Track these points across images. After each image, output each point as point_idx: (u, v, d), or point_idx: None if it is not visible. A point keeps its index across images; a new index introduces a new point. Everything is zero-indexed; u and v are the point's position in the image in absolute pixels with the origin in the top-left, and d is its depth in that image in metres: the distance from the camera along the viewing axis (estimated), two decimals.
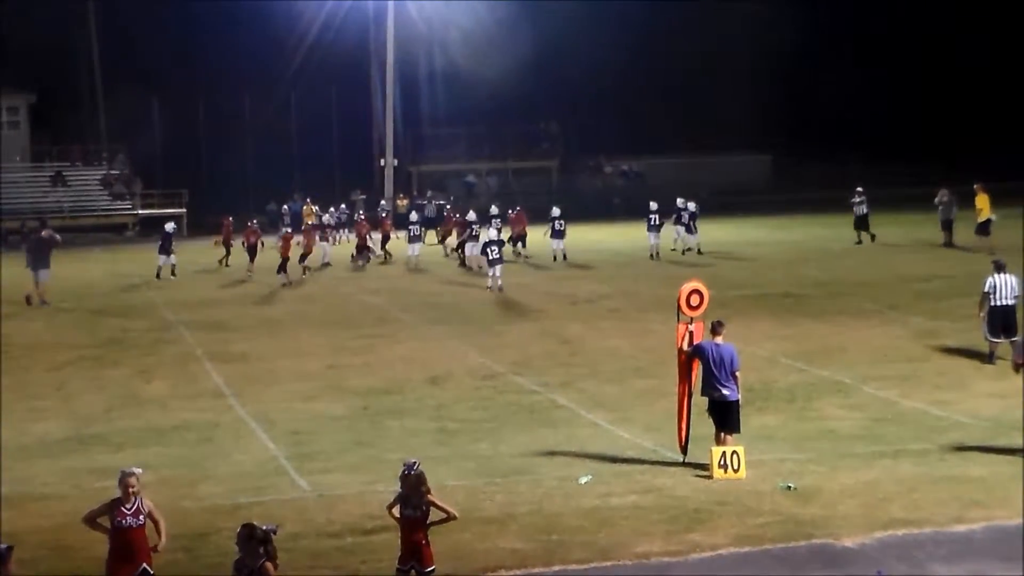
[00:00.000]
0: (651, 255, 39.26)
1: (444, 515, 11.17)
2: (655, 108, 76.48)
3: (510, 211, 42.37)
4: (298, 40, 66.29)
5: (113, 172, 60.06)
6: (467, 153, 76.28)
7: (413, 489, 11.03)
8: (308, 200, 51.83)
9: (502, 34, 67.36)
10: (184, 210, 58.05)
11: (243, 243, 39.13)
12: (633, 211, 49.98)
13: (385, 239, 42.31)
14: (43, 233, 33.77)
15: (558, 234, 39.33)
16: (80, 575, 12.45)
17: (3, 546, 9.72)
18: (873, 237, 40.28)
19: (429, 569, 11.07)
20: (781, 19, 73.04)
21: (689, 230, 39.72)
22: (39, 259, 32.38)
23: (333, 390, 20.91)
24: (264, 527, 9.94)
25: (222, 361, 23.69)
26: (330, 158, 70.36)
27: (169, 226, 39.08)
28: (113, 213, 57.66)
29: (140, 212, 58.43)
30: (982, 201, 37.46)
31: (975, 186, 37.91)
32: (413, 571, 11.10)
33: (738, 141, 74.14)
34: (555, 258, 39.10)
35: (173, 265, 37.94)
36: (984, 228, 37.10)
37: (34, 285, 32.08)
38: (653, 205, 39.64)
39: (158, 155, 63.64)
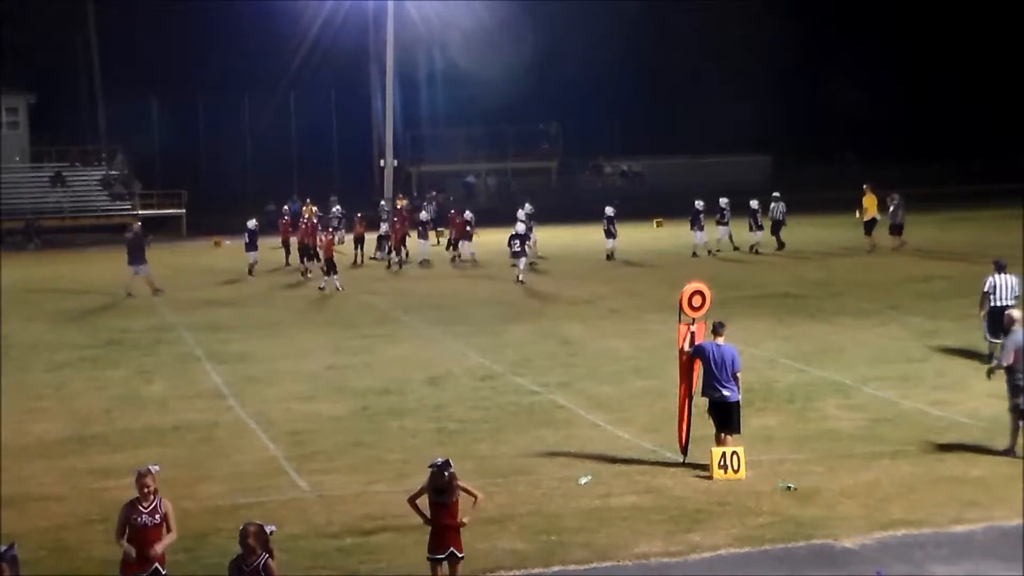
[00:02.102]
0: (693, 252, 39.22)
1: (472, 497, 11.25)
2: (655, 108, 76.60)
3: (452, 212, 42.35)
4: (298, 40, 66.25)
5: (112, 172, 59.96)
6: (467, 153, 76.27)
7: (447, 484, 11.10)
8: (308, 200, 51.71)
9: (502, 35, 67.39)
10: (183, 210, 58.00)
11: (304, 241, 37.53)
12: (633, 211, 49.94)
13: (359, 241, 41.73)
14: (135, 229, 35.29)
15: (609, 233, 39.37)
16: (80, 575, 12.46)
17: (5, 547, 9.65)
18: (782, 245, 39.75)
19: (462, 555, 11.13)
20: (781, 19, 73.11)
21: (754, 227, 39.56)
22: (136, 256, 33.72)
23: (333, 390, 20.91)
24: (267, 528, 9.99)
25: (222, 361, 23.67)
26: (330, 158, 70.34)
27: (251, 223, 37.95)
28: (112, 213, 57.57)
29: (140, 212, 58.32)
30: (869, 201, 38.80)
31: (864, 186, 39.24)
32: (446, 562, 11.08)
33: (738, 141, 74.10)
34: (609, 256, 38.97)
35: (252, 264, 37.56)
36: (870, 227, 38.59)
37: (145, 280, 33.49)
38: (699, 204, 39.61)
39: (157, 155, 63.55)
